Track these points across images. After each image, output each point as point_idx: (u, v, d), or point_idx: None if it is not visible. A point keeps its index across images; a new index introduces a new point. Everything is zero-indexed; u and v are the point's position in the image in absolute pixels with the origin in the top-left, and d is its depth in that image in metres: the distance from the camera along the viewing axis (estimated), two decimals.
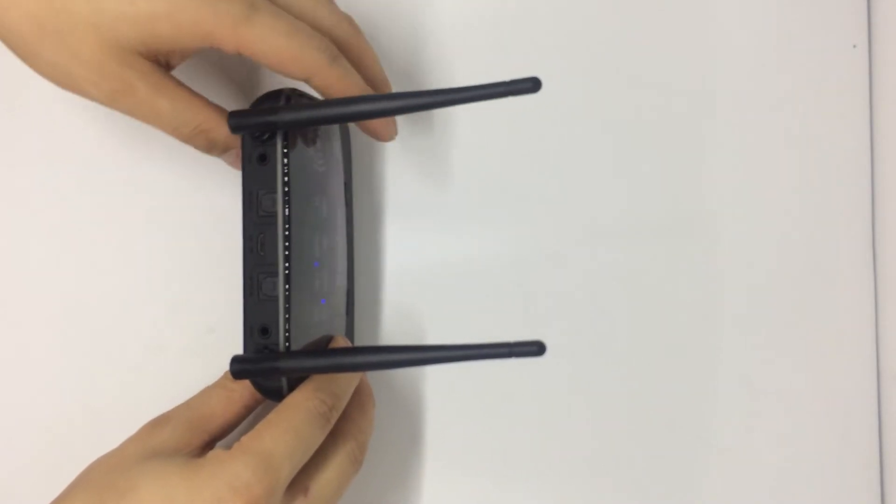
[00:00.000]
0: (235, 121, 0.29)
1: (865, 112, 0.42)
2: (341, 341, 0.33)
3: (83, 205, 0.37)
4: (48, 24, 0.26)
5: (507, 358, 0.26)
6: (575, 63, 0.40)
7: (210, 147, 0.31)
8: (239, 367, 0.29)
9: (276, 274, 0.29)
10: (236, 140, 0.30)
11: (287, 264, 0.29)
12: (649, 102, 0.40)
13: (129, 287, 0.37)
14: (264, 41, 0.28)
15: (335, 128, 0.34)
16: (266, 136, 0.29)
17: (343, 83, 0.30)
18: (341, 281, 0.35)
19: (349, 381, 0.31)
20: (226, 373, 0.33)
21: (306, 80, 0.30)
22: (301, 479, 0.29)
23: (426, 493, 0.38)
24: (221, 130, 0.30)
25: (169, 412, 0.31)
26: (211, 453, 0.28)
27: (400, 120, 0.38)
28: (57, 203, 0.37)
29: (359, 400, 0.33)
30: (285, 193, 0.29)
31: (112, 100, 0.28)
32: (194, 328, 0.37)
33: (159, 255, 0.37)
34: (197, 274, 0.37)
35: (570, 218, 0.40)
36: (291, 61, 0.28)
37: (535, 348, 0.26)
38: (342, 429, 0.31)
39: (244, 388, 0.32)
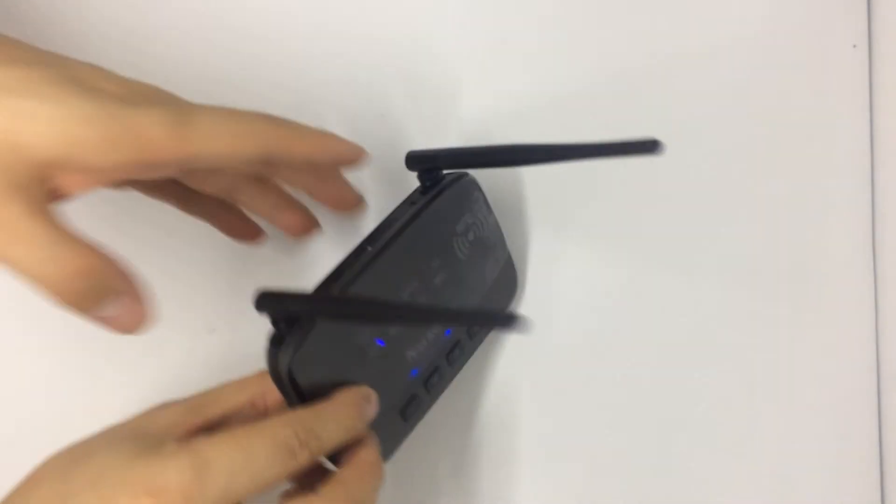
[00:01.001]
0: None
1: (865, 112, 0.42)
2: (369, 443, 0.30)
3: (83, 204, 0.37)
4: None
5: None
6: (575, 64, 0.40)
7: (87, 294, 0.24)
8: (264, 294, 0.28)
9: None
10: (126, 287, 0.26)
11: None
12: (648, 103, 0.40)
13: None
14: (211, 132, 0.25)
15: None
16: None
17: (302, 137, 0.28)
18: (420, 390, 0.34)
19: (336, 423, 0.28)
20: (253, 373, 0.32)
21: (266, 157, 0.27)
22: None
23: (432, 492, 0.38)
24: (96, 271, 0.25)
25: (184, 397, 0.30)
26: (176, 442, 0.26)
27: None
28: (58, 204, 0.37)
29: (359, 463, 0.28)
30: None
31: None
32: (195, 328, 0.37)
33: (160, 255, 0.37)
34: (198, 274, 0.37)
35: (575, 216, 0.40)
36: (243, 141, 0.26)
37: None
38: (330, 491, 0.27)
39: (259, 381, 0.30)
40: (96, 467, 0.25)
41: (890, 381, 0.41)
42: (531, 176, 0.39)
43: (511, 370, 0.39)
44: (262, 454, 0.25)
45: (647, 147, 0.25)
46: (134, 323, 0.27)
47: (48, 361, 0.37)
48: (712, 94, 0.41)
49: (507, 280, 0.38)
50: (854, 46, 0.42)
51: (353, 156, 0.31)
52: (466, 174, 0.34)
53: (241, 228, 0.34)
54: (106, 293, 0.25)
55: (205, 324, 0.37)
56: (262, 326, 0.35)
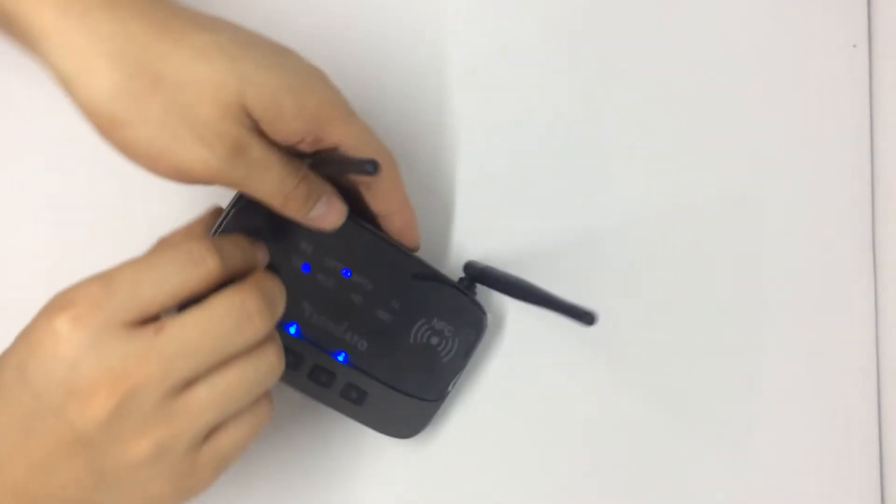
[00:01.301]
0: None
1: (865, 112, 0.42)
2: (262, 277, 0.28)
3: (82, 207, 0.37)
4: (169, 76, 0.26)
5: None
6: (569, 61, 0.40)
7: (307, 198, 0.29)
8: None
9: None
10: (326, 187, 0.31)
11: None
12: (648, 103, 0.40)
13: None
14: (361, 131, 0.30)
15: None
16: None
17: (401, 186, 0.33)
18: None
19: (240, 249, 0.28)
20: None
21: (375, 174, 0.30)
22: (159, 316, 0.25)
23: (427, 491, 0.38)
24: (315, 177, 0.30)
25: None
26: None
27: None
28: (56, 203, 0.37)
29: (263, 273, 0.28)
30: None
31: (226, 160, 0.27)
32: None
33: None
34: None
35: (574, 218, 0.40)
36: (377, 149, 0.31)
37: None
38: (241, 283, 0.27)
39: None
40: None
41: (890, 380, 0.41)
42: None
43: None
44: (164, 262, 0.25)
45: (585, 318, 0.29)
46: (336, 217, 0.31)
47: None
48: (711, 93, 0.41)
49: (418, 415, 0.36)
50: (854, 46, 0.42)
51: (413, 242, 0.35)
52: (485, 317, 0.36)
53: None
54: (318, 194, 0.30)
55: None
56: None
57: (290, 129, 0.28)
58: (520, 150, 0.39)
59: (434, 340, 0.35)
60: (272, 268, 0.31)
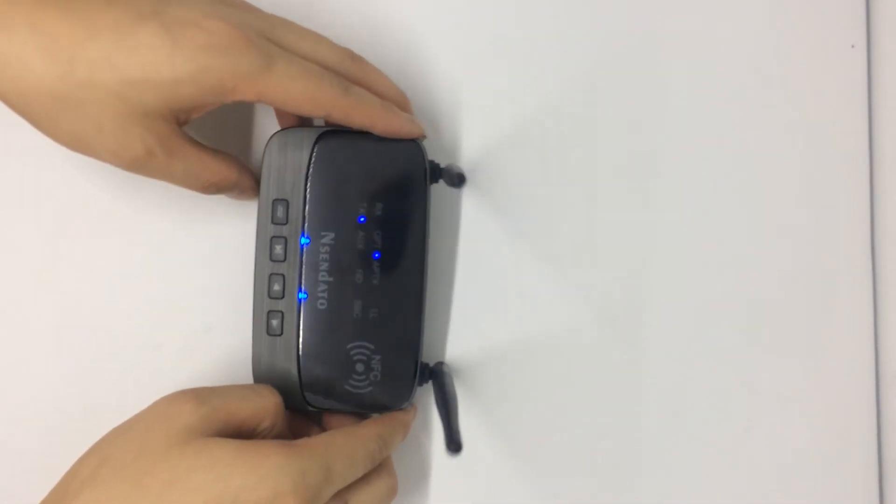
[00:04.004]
0: None
1: (864, 112, 0.42)
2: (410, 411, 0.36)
3: (81, 205, 0.38)
4: (70, 97, 0.27)
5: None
6: (565, 59, 0.40)
7: (218, 192, 0.33)
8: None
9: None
10: (241, 182, 0.33)
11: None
12: (646, 103, 0.40)
13: (127, 286, 0.37)
14: (282, 88, 0.30)
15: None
16: None
17: (361, 110, 0.32)
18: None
19: (402, 438, 0.34)
20: (261, 385, 0.32)
21: (326, 117, 0.32)
22: (342, 494, 0.30)
23: (431, 490, 0.38)
24: (229, 180, 0.33)
25: (199, 394, 0.29)
26: (272, 442, 0.28)
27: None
28: (55, 203, 0.38)
29: (395, 415, 0.35)
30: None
31: (129, 167, 0.30)
32: (191, 327, 0.37)
33: (156, 255, 0.38)
34: (194, 273, 0.37)
35: (574, 228, 0.40)
36: (309, 101, 0.30)
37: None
38: (368, 423, 0.33)
39: (274, 399, 0.31)
40: (210, 484, 0.26)
41: (890, 380, 0.41)
42: None
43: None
44: (360, 463, 0.31)
45: (452, 447, 0.31)
46: (242, 200, 0.36)
47: (45, 360, 0.37)
48: (710, 93, 0.41)
49: (287, 389, 0.34)
50: (852, 46, 0.42)
51: (409, 133, 0.34)
52: (406, 404, 0.35)
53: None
54: (229, 190, 0.33)
55: (202, 323, 0.37)
56: None
57: (202, 108, 0.30)
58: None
59: (359, 368, 0.34)
60: (337, 190, 0.34)
